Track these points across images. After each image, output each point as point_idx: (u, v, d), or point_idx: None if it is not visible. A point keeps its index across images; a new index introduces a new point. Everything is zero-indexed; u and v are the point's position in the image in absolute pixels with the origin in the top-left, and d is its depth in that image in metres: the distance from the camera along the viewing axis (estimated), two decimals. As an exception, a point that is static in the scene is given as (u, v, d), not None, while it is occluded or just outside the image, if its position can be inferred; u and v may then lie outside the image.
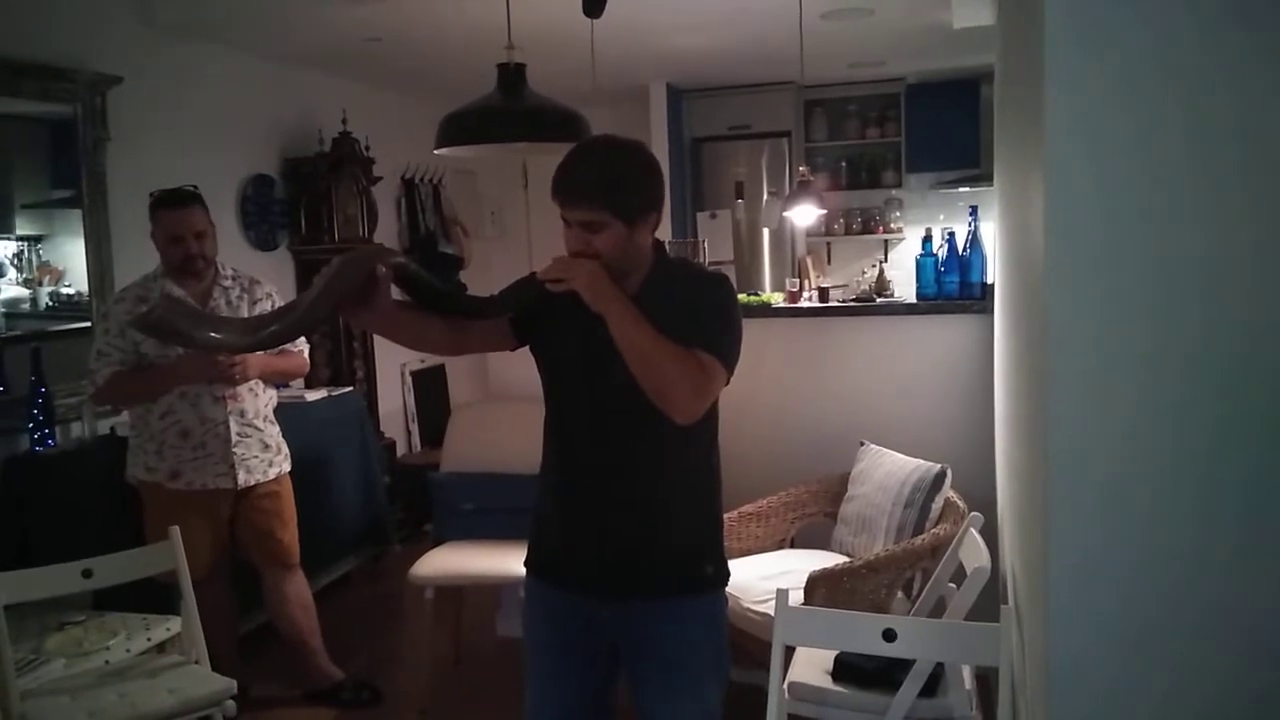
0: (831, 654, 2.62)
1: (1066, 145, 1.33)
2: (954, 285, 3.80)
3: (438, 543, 3.79)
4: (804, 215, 4.56)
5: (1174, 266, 1.30)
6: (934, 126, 6.66)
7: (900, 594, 3.09)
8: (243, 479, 3.30)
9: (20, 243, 3.90)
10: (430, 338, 2.05)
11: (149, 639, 3.02)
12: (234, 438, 3.27)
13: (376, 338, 5.40)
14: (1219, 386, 1.30)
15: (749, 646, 2.88)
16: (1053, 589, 1.40)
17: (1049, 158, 1.34)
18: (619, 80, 5.88)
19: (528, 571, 2.14)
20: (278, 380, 3.56)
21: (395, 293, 1.91)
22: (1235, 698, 1.35)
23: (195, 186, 3.34)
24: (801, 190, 4.44)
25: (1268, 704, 1.34)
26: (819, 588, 2.87)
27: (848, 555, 3.33)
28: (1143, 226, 1.30)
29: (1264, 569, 1.32)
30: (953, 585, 2.62)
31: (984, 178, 6.14)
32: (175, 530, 2.87)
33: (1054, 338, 1.37)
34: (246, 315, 3.30)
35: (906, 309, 3.89)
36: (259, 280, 3.45)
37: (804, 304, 4.12)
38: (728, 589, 2.12)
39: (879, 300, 4.10)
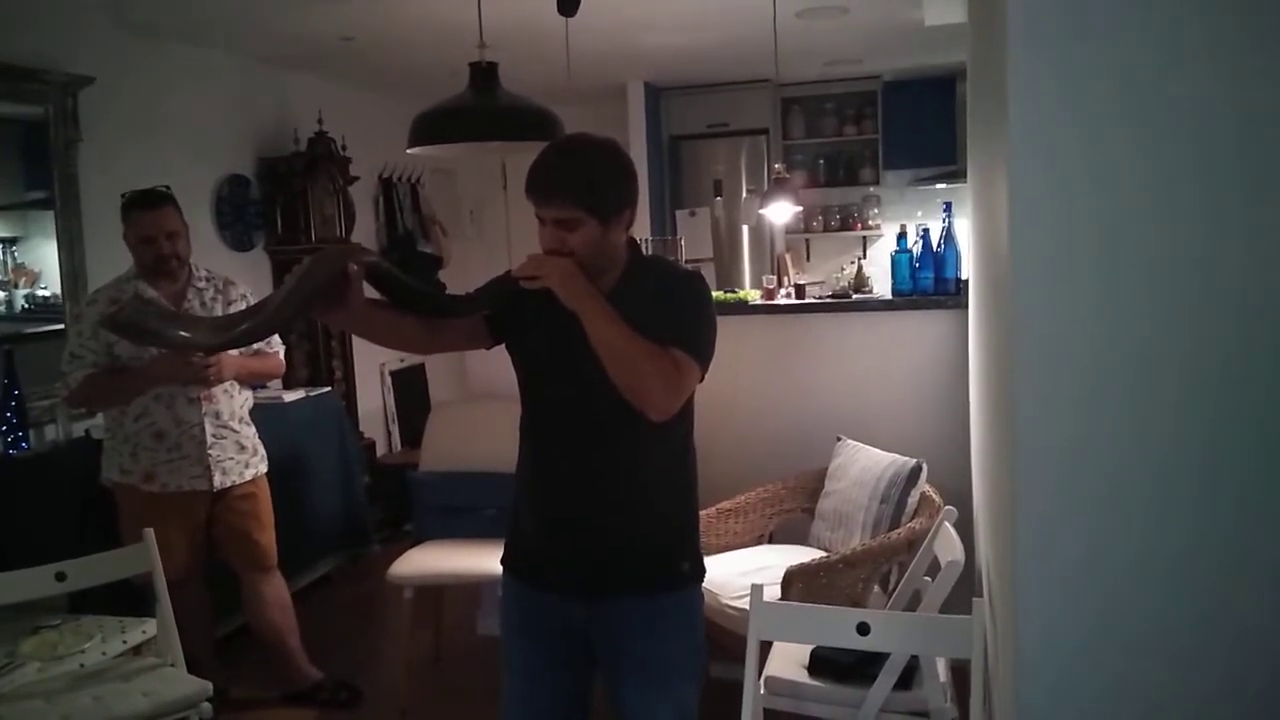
0: (808, 648, 2.64)
1: (1029, 140, 1.34)
2: (929, 281, 3.82)
3: (417, 542, 3.78)
4: (781, 213, 4.58)
5: (1143, 262, 1.31)
6: (910, 124, 6.69)
7: (877, 588, 3.11)
8: (218, 481, 3.28)
9: (-6, 244, 3.88)
10: (405, 336, 2.04)
11: (124, 642, 2.99)
12: (209, 439, 3.26)
13: (355, 337, 5.38)
14: (1182, 381, 1.31)
15: (726, 642, 2.89)
16: (1021, 583, 1.41)
17: (1012, 153, 1.35)
18: (596, 79, 5.88)
19: (504, 570, 2.14)
20: (254, 381, 3.55)
21: (370, 291, 1.91)
22: (1217, 692, 1.36)
23: (168, 187, 3.32)
24: (778, 188, 4.46)
25: (1251, 702, 1.35)
26: (795, 583, 2.88)
27: (825, 550, 3.34)
28: (1103, 222, 1.32)
29: (1246, 572, 1.33)
30: (928, 579, 2.64)
31: (960, 174, 6.17)
32: (150, 533, 2.85)
33: (1020, 333, 1.38)
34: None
35: (882, 305, 3.91)
36: (233, 281, 3.44)
37: (781, 301, 4.13)
38: (704, 585, 2.13)
39: (855, 297, 4.12)
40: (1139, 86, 1.29)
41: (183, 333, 1.89)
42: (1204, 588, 1.34)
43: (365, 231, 5.94)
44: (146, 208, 3.19)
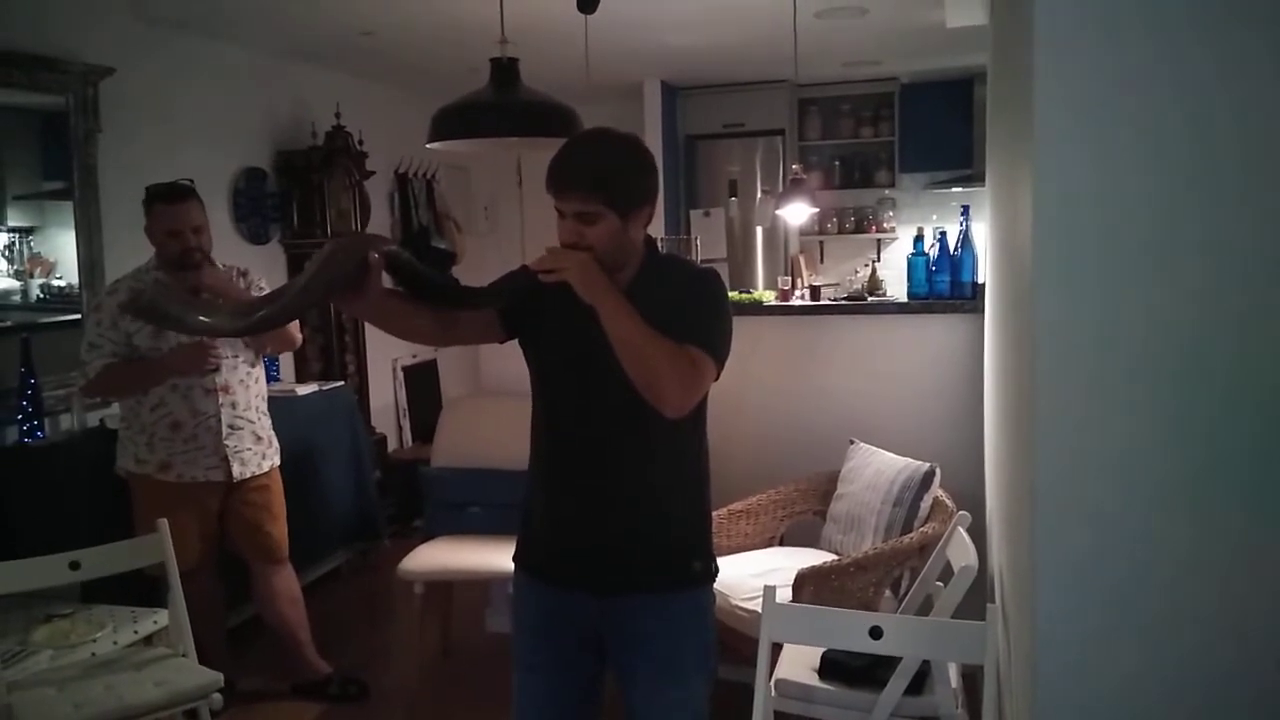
0: (818, 651, 2.63)
1: (1055, 145, 1.33)
2: (945, 285, 3.80)
3: (427, 538, 3.79)
4: (797, 214, 4.57)
5: (1165, 268, 1.30)
6: (927, 126, 6.67)
7: (888, 592, 3.10)
8: (237, 471, 3.29)
9: (11, 234, 3.89)
10: (419, 327, 2.04)
11: (136, 631, 3.01)
12: (225, 430, 3.26)
13: (368, 332, 5.40)
14: (1211, 390, 1.31)
15: (736, 644, 2.89)
16: (1039, 590, 1.41)
17: (1038, 158, 1.34)
18: (613, 77, 5.87)
19: (516, 566, 2.14)
20: (274, 345, 3.47)
21: (386, 281, 1.91)
22: (1225, 699, 1.35)
23: (190, 180, 3.33)
24: (794, 189, 4.45)
25: (1260, 706, 1.34)
26: (807, 585, 2.87)
27: (837, 553, 3.34)
28: (1129, 228, 1.31)
29: (1256, 573, 1.32)
30: (940, 584, 2.63)
31: (977, 178, 6.15)
32: (164, 523, 2.86)
33: (1041, 338, 1.37)
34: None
35: (897, 308, 3.90)
36: (245, 271, 3.44)
37: (795, 302, 4.13)
38: (716, 586, 2.12)
39: (870, 299, 4.11)
40: (1168, 96, 1.28)
41: (203, 318, 1.88)
42: (1214, 584, 1.34)
43: (380, 227, 5.95)
44: (171, 201, 3.20)
